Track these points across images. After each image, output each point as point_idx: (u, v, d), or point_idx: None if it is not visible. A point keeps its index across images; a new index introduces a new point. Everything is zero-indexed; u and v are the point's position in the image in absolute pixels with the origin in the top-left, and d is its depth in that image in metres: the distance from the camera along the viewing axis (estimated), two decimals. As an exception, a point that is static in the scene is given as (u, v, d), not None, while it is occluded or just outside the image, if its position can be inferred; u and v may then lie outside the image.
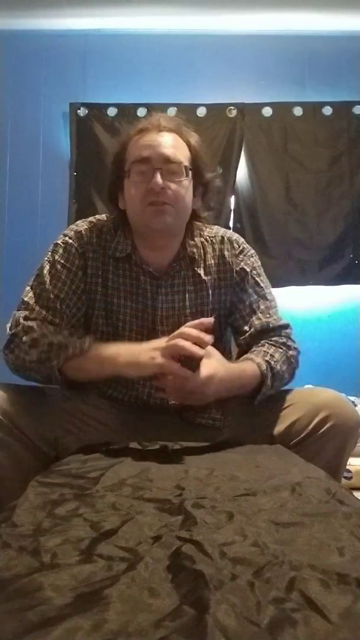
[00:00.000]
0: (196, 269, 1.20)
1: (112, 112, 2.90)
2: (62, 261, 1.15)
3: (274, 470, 0.83)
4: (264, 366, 1.09)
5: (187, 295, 1.19)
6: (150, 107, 2.87)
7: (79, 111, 2.90)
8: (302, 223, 2.88)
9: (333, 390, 1.16)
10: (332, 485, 0.72)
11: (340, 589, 0.42)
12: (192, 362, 0.98)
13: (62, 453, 0.99)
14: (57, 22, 2.91)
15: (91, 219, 1.23)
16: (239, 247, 1.24)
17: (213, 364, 1.01)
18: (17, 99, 2.99)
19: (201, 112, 2.88)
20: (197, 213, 1.22)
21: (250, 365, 1.10)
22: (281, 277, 2.77)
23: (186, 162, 1.14)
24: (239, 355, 1.27)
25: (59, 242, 1.19)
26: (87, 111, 2.90)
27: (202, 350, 0.98)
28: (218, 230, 1.25)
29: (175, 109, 2.85)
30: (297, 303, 2.80)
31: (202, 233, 1.23)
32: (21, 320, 1.08)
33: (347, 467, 1.23)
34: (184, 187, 1.13)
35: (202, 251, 1.21)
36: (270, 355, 1.13)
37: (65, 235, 1.19)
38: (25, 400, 1.04)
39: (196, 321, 1.02)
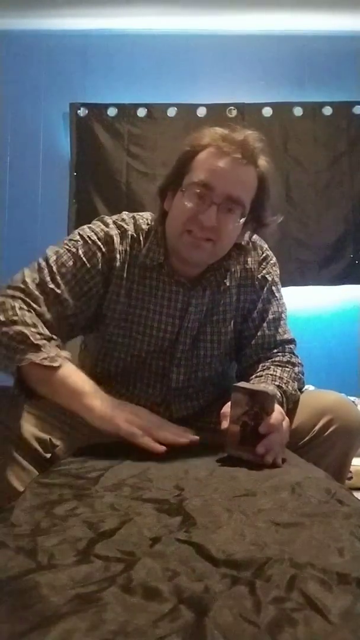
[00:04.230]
0: (223, 277, 1.17)
1: (112, 112, 2.90)
2: (84, 258, 1.08)
3: (273, 470, 0.83)
4: (277, 393, 1.05)
5: (213, 304, 1.17)
6: (150, 107, 2.87)
7: (79, 111, 2.90)
8: (302, 223, 2.87)
9: (336, 392, 1.16)
10: (332, 486, 0.72)
11: (340, 589, 0.42)
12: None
13: (55, 454, 0.98)
14: (57, 22, 2.91)
15: (119, 222, 1.15)
16: (263, 253, 1.23)
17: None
18: (17, 99, 2.99)
19: (201, 112, 2.88)
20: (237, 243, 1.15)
21: None
22: (281, 277, 2.75)
23: (247, 203, 1.07)
24: (238, 370, 1.26)
25: (85, 237, 1.10)
26: (87, 111, 2.90)
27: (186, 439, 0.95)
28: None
29: (176, 109, 2.85)
30: (297, 303, 2.80)
31: None
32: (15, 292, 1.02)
33: (347, 467, 1.22)
34: (234, 225, 1.07)
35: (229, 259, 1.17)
36: (279, 377, 1.10)
37: (95, 234, 1.11)
38: (18, 400, 1.02)
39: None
